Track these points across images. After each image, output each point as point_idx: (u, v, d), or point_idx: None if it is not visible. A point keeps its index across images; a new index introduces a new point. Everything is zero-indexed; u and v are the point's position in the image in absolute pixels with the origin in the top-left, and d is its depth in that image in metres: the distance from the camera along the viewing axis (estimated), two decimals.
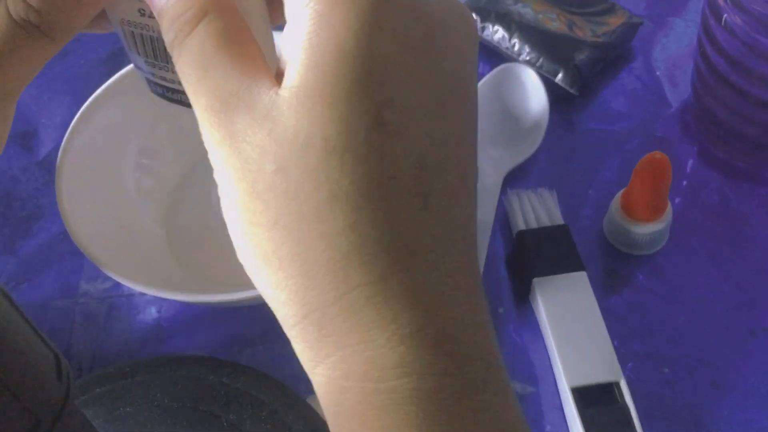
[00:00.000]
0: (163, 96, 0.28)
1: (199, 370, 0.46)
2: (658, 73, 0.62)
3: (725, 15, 0.49)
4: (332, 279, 0.21)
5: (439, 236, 0.22)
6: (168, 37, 0.23)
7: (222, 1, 0.22)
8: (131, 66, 0.51)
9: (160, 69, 0.27)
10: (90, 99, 0.50)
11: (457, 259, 0.22)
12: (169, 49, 0.23)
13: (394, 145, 0.21)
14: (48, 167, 0.58)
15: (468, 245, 0.23)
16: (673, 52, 0.64)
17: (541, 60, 0.59)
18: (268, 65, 0.22)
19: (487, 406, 0.22)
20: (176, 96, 0.27)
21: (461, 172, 0.22)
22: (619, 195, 0.51)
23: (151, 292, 0.43)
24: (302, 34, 0.21)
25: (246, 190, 0.21)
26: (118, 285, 0.51)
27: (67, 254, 0.53)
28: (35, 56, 0.25)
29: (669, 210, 0.51)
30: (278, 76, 0.22)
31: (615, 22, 0.62)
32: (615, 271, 0.52)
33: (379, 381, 0.21)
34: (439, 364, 0.21)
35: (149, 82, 0.28)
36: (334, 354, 0.21)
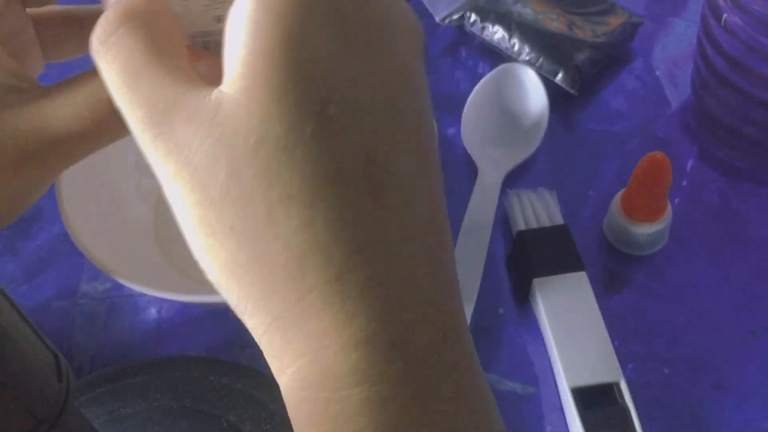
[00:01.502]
0: None
1: (199, 370, 0.46)
2: (658, 73, 0.62)
3: (725, 15, 0.49)
4: (291, 282, 0.20)
5: (394, 233, 0.21)
6: (93, 38, 0.22)
7: (150, 8, 0.22)
8: None
9: None
10: None
11: (417, 257, 0.21)
12: (93, 53, 0.22)
13: (341, 140, 0.20)
14: None
15: (431, 243, 0.22)
16: (673, 52, 0.64)
17: (540, 60, 0.59)
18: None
19: (444, 413, 0.21)
20: None
21: (417, 167, 0.22)
22: (619, 195, 0.51)
23: (151, 292, 0.43)
24: (240, 40, 0.21)
25: (198, 202, 0.21)
26: (118, 285, 0.51)
27: (66, 255, 0.53)
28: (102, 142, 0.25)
29: (669, 210, 0.51)
30: (220, 82, 0.21)
31: (615, 21, 0.62)
32: (615, 272, 0.52)
33: (333, 390, 0.21)
34: (392, 372, 0.21)
35: None
36: (293, 364, 0.21)
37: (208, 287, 0.49)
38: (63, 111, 0.24)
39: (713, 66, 0.52)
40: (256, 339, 0.22)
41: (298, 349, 0.21)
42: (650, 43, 0.64)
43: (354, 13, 0.21)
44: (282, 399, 0.48)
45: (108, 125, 0.25)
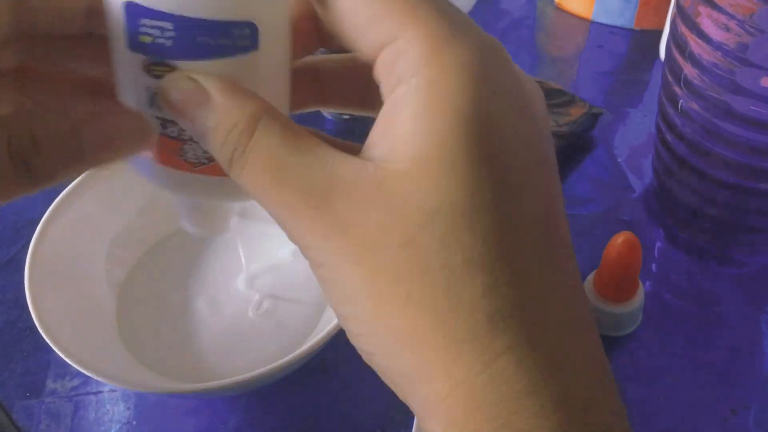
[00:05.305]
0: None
1: None
2: (619, 160, 0.64)
3: (681, 101, 0.51)
4: (479, 346, 0.20)
5: (569, 292, 0.21)
6: (225, 153, 0.22)
7: (267, 103, 0.22)
8: None
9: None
10: (62, 194, 0.50)
11: (586, 318, 0.22)
12: (226, 167, 0.22)
13: (518, 203, 0.21)
14: (16, 265, 0.57)
15: (589, 306, 0.22)
16: (632, 140, 0.66)
17: None
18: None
19: None
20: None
21: (567, 226, 0.22)
22: (591, 276, 0.52)
23: (123, 385, 0.42)
24: (413, 104, 0.20)
25: (367, 274, 0.20)
26: (86, 382, 0.49)
27: (32, 351, 0.51)
28: (8, 193, 0.23)
29: (641, 290, 0.51)
30: (368, 153, 0.21)
31: (576, 112, 0.64)
32: None
33: None
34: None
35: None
36: (482, 428, 0.20)
37: (174, 380, 0.48)
38: None
39: (673, 150, 0.54)
40: (426, 409, 0.21)
41: (488, 413, 0.20)
42: (610, 133, 0.66)
43: (512, 76, 0.22)
44: None
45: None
